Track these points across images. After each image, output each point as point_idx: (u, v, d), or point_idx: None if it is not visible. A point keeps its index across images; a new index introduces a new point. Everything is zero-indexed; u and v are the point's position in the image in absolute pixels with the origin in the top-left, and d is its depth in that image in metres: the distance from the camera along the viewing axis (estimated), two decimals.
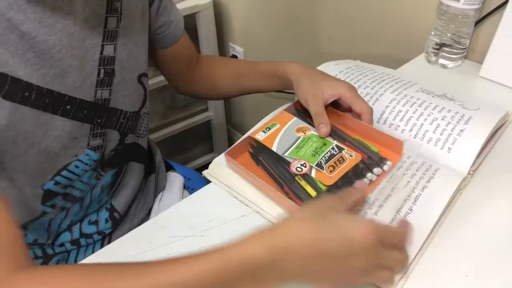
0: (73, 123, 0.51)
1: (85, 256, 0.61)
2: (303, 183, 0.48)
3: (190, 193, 0.59)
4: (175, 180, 0.80)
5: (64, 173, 0.53)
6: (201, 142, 1.64)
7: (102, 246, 0.66)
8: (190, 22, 1.29)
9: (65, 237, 0.62)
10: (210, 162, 0.56)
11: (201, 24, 1.30)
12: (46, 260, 0.62)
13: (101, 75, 0.52)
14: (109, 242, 0.66)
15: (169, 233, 0.48)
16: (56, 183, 0.53)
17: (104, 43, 0.52)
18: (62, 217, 0.59)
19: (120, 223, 0.68)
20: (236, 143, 0.55)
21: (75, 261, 0.65)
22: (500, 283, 0.41)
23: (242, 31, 1.34)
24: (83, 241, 0.64)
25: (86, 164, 0.55)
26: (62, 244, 0.63)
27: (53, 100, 0.48)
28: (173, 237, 0.48)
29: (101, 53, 0.52)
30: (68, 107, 0.49)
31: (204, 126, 1.57)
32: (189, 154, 1.62)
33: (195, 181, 0.97)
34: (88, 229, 0.64)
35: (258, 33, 1.29)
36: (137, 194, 0.70)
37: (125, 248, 0.47)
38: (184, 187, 0.83)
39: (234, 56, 1.41)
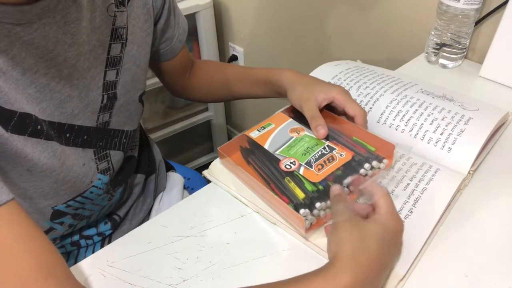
0: (76, 150, 0.51)
1: (85, 257, 0.61)
2: (292, 185, 0.48)
3: (190, 193, 0.59)
4: (175, 180, 0.81)
5: (78, 198, 0.54)
6: (201, 142, 1.64)
7: (102, 246, 0.66)
8: (190, 22, 1.29)
9: (65, 240, 0.62)
10: (210, 162, 0.56)
11: (201, 24, 1.30)
12: None
13: (105, 101, 0.53)
14: (109, 242, 0.67)
15: (169, 233, 0.48)
16: (68, 206, 0.54)
17: (107, 69, 0.52)
18: (65, 229, 0.59)
19: (120, 225, 0.68)
20: (231, 140, 0.55)
21: (75, 261, 0.65)
22: (500, 283, 0.41)
23: (242, 31, 1.34)
24: (83, 242, 0.64)
25: (100, 188, 0.56)
26: (62, 246, 0.63)
27: (56, 131, 0.48)
28: (173, 237, 0.48)
29: (104, 79, 0.52)
30: (68, 135, 0.50)
31: (204, 126, 1.57)
32: (189, 154, 1.62)
33: (195, 181, 0.97)
34: (88, 231, 0.64)
35: (258, 33, 1.29)
36: (137, 197, 0.70)
37: (125, 248, 0.47)
38: (184, 187, 0.83)
39: (234, 56, 1.41)
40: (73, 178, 0.51)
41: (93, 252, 0.66)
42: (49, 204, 0.52)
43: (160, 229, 0.49)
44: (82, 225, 0.61)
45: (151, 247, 0.47)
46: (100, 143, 0.55)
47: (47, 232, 0.56)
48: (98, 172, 0.55)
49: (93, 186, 0.55)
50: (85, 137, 0.52)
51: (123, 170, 0.62)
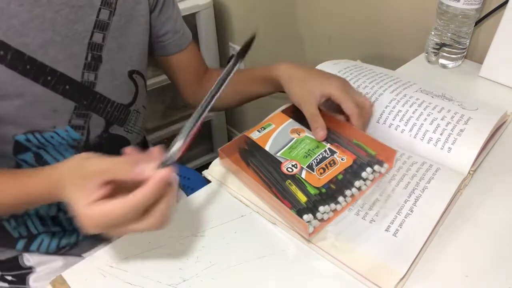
0: (55, 96, 0.54)
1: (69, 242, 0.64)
2: (293, 188, 0.48)
3: (190, 193, 0.59)
4: None
5: (37, 134, 0.56)
6: (201, 142, 1.64)
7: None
8: (190, 22, 1.29)
9: (43, 210, 0.64)
10: (210, 162, 0.56)
11: (201, 24, 1.30)
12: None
13: (89, 59, 0.56)
14: None
15: (169, 233, 0.48)
16: (27, 140, 0.56)
17: (94, 30, 0.56)
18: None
19: None
20: (231, 140, 0.55)
21: (58, 244, 0.67)
22: (500, 283, 0.41)
23: (242, 31, 1.34)
24: (66, 223, 0.66)
25: (64, 138, 0.58)
26: (45, 224, 0.65)
27: (36, 69, 0.51)
28: (173, 237, 0.48)
29: (90, 38, 0.56)
30: (49, 78, 0.53)
31: (204, 126, 1.56)
32: (189, 154, 1.62)
33: (195, 181, 0.97)
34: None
35: (258, 33, 1.28)
36: None
37: (125, 248, 0.47)
38: (180, 187, 0.83)
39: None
40: (28, 111, 0.53)
41: (77, 239, 0.68)
42: (9, 131, 0.54)
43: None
44: None
45: (151, 247, 0.47)
46: (85, 102, 0.57)
47: (15, 168, 0.59)
48: (69, 125, 0.57)
49: (55, 132, 0.57)
50: (67, 87, 0.55)
51: (105, 142, 0.63)
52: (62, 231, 0.66)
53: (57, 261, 0.66)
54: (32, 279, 0.64)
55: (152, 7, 0.63)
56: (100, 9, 0.56)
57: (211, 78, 0.76)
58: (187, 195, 0.55)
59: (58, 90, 0.54)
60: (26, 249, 0.65)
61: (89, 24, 0.55)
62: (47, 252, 0.66)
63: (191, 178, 0.98)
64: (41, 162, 0.59)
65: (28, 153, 0.57)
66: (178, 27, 0.68)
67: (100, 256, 0.47)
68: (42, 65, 0.52)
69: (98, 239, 0.70)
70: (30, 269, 0.65)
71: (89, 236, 0.68)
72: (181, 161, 1.68)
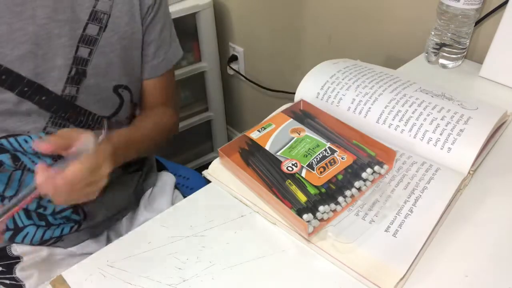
0: (29, 104, 0.54)
1: (52, 235, 0.65)
2: (293, 188, 0.48)
3: (190, 193, 0.59)
4: (166, 179, 0.83)
5: (11, 139, 0.56)
6: (201, 142, 1.64)
7: (71, 230, 0.68)
8: (190, 22, 1.29)
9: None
10: (210, 162, 0.56)
11: (201, 24, 1.30)
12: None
13: (72, 73, 0.56)
14: (78, 228, 0.68)
15: (169, 233, 0.48)
16: (1, 144, 0.56)
17: (80, 44, 0.55)
18: (18, 178, 0.60)
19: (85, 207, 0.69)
20: (231, 140, 0.55)
21: (42, 237, 0.66)
22: (500, 283, 0.41)
23: (242, 31, 1.34)
24: (50, 219, 0.65)
25: None
26: (30, 217, 0.65)
27: (12, 79, 0.51)
28: (173, 237, 0.48)
29: (76, 53, 0.55)
30: (26, 89, 0.52)
31: (204, 126, 1.57)
32: (189, 154, 1.62)
33: (195, 181, 0.97)
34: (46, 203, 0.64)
35: (258, 33, 1.29)
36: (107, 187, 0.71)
37: (125, 248, 0.47)
38: (176, 187, 0.84)
39: (234, 56, 1.41)
40: (5, 121, 0.54)
41: (61, 233, 0.67)
42: None
43: (160, 229, 0.49)
44: (30, 180, 0.61)
45: (151, 247, 0.47)
46: (63, 114, 0.57)
47: None
48: (43, 132, 0.57)
49: (30, 137, 0.57)
50: (44, 98, 0.54)
51: None
52: (46, 226, 0.66)
53: (42, 251, 0.67)
54: (18, 269, 0.65)
55: (145, 28, 0.62)
56: (87, 24, 0.55)
57: (150, 114, 0.71)
58: (187, 195, 0.55)
59: (34, 100, 0.54)
60: (11, 240, 0.65)
61: (74, 39, 0.55)
62: (32, 244, 0.67)
63: (191, 178, 0.98)
64: (18, 163, 0.59)
65: (5, 154, 0.58)
66: (160, 51, 0.66)
67: (100, 256, 0.47)
68: (19, 76, 0.51)
69: (83, 234, 0.70)
70: (17, 259, 0.66)
71: (74, 230, 0.68)
72: (181, 161, 1.68)
